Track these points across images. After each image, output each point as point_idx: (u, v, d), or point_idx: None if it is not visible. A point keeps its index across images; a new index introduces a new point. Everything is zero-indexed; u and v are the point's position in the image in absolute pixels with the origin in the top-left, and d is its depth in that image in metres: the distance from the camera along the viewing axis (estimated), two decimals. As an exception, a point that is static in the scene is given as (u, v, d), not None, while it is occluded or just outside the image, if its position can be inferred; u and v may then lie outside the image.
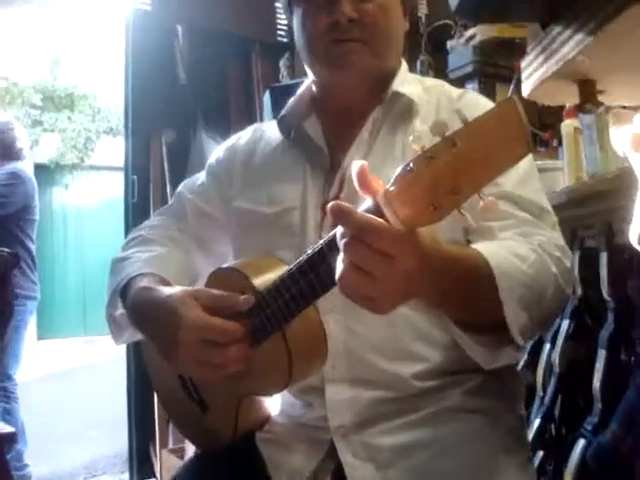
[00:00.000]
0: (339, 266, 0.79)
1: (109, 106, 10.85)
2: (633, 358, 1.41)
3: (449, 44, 2.75)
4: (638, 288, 1.42)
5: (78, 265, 10.59)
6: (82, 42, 10.69)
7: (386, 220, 0.76)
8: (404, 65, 1.31)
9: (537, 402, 1.69)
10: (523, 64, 0.49)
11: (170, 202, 1.46)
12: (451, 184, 0.70)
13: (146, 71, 3.46)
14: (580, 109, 0.47)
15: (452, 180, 0.70)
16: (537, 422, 1.63)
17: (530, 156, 1.18)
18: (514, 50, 2.64)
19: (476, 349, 0.98)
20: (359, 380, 1.12)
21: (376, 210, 0.77)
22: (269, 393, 1.14)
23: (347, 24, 1.17)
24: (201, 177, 1.43)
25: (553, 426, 1.64)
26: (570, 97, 0.48)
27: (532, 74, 0.47)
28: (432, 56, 2.79)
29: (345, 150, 1.22)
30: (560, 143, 1.97)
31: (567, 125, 1.64)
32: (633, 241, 0.56)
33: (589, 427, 1.43)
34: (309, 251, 0.91)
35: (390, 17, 1.21)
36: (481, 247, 0.97)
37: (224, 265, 1.20)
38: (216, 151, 1.45)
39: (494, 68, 2.57)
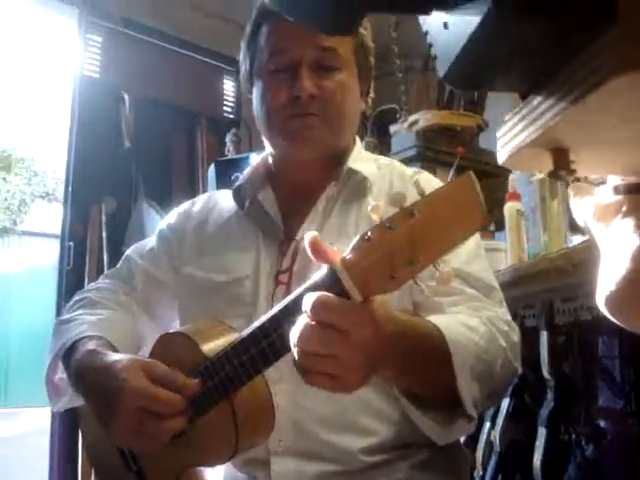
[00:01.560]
0: (294, 351, 0.79)
1: (46, 170, 10.72)
2: (574, 436, 1.43)
3: (392, 128, 2.83)
4: (577, 367, 1.44)
5: (2, 334, 10.21)
6: (23, 105, 10.63)
7: (342, 287, 0.76)
8: (358, 143, 1.35)
9: (477, 481, 1.68)
10: (499, 133, 0.51)
11: (118, 265, 1.44)
12: (408, 254, 0.72)
13: (90, 137, 3.44)
14: (553, 176, 0.49)
15: (409, 250, 0.72)
16: (478, 501, 1.62)
17: (478, 234, 1.22)
18: (456, 137, 2.75)
19: (429, 425, 0.98)
20: (305, 453, 1.10)
21: (332, 277, 0.77)
22: (213, 463, 1.11)
23: (307, 99, 1.20)
24: (151, 242, 1.42)
25: (494, 505, 1.63)
26: (543, 165, 0.50)
27: (508, 142, 0.49)
28: (377, 138, 2.86)
29: (299, 223, 1.25)
30: (497, 227, 2.03)
31: (510, 207, 1.70)
32: (600, 305, 0.58)
33: (530, 506, 1.43)
34: (262, 318, 0.90)
35: (347, 95, 1.25)
36: (433, 318, 0.98)
37: (172, 330, 1.18)
38: (168, 216, 1.44)
39: (435, 153, 2.65)
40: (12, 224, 10.45)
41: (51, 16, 4.01)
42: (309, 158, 1.26)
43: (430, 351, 0.92)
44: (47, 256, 10.11)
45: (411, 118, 2.76)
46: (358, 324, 0.77)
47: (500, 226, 2.00)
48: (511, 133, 0.51)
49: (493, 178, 2.49)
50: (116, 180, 3.52)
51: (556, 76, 0.42)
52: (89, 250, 3.49)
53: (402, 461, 1.12)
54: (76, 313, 1.28)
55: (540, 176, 1.56)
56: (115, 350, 1.15)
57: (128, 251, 1.44)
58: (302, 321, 0.77)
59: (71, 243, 3.48)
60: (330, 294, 0.76)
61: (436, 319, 0.98)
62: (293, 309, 0.83)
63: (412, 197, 0.73)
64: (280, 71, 1.24)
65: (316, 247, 0.78)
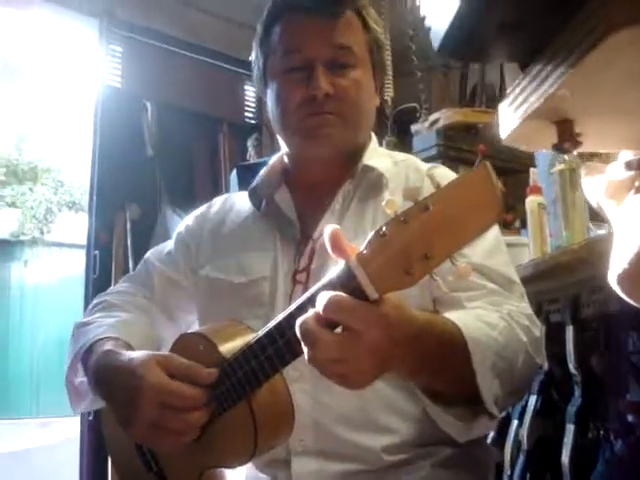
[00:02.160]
0: (305, 350, 0.78)
1: (72, 180, 10.85)
2: (602, 432, 1.40)
3: (413, 128, 2.82)
4: (604, 361, 1.42)
5: (33, 344, 10.33)
6: (49, 116, 10.77)
7: (358, 284, 0.75)
8: (374, 139, 1.34)
9: (505, 480, 1.66)
10: (500, 109, 0.50)
11: (137, 269, 1.45)
12: (424, 249, 0.71)
13: (113, 146, 3.47)
14: (557, 149, 0.48)
15: (425, 245, 0.70)
16: (506, 500, 1.60)
17: (497, 228, 1.20)
18: (477, 134, 2.72)
19: (449, 422, 0.96)
20: (326, 453, 1.09)
21: (348, 274, 0.76)
22: (233, 465, 1.10)
23: (323, 98, 1.19)
24: (169, 245, 1.42)
25: (522, 504, 1.61)
26: (547, 139, 0.48)
27: (510, 116, 0.48)
28: (398, 138, 2.85)
29: (316, 222, 1.24)
30: (523, 224, 2.00)
31: (531, 201, 1.68)
32: (612, 283, 0.56)
33: (560, 504, 1.41)
34: (279, 317, 0.89)
35: (363, 92, 1.24)
36: (451, 315, 0.97)
37: (190, 330, 1.18)
38: (186, 219, 1.44)
39: (457, 152, 2.63)
40: (40, 233, 10.57)
41: (73, 28, 4.06)
42: (326, 156, 1.26)
43: (448, 350, 0.91)
44: (75, 266, 10.20)
45: (432, 117, 2.75)
46: (370, 325, 0.76)
47: (525, 223, 1.97)
48: (512, 106, 0.50)
49: (516, 175, 2.46)
50: (140, 187, 3.54)
51: (553, 42, 0.41)
52: (115, 258, 3.51)
53: (424, 460, 1.10)
54: (94, 316, 1.29)
55: (560, 167, 1.54)
56: (133, 350, 1.14)
57: (147, 254, 1.44)
58: (314, 331, 0.77)
59: (97, 252, 3.50)
60: (343, 294, 0.75)
61: (454, 315, 0.96)
62: (309, 307, 0.82)
63: (427, 191, 0.72)
64: (295, 70, 1.23)
65: (336, 241, 0.77)
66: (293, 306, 0.86)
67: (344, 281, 0.77)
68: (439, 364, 0.89)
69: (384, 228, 0.73)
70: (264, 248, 1.26)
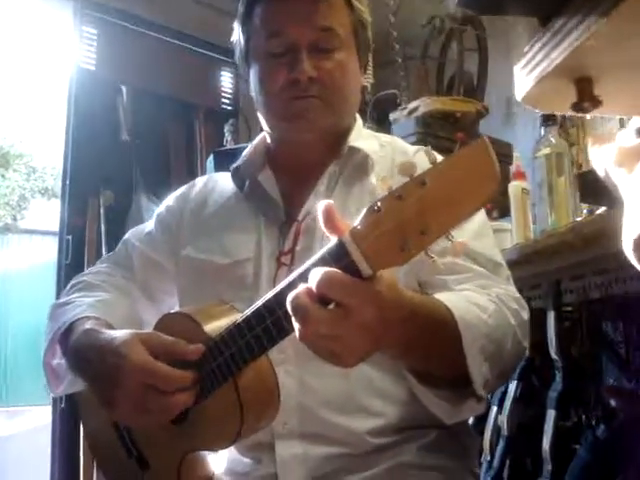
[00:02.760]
0: (296, 326, 0.76)
1: (45, 166, 10.69)
2: (584, 417, 1.40)
3: (392, 116, 2.80)
4: (585, 347, 1.42)
5: (3, 332, 10.18)
6: (20, 101, 10.59)
7: (351, 261, 0.73)
8: (359, 120, 1.32)
9: (485, 465, 1.66)
10: (517, 68, 0.48)
11: (116, 249, 1.41)
12: (419, 224, 0.69)
13: (87, 130, 3.41)
14: (577, 108, 0.46)
15: (420, 220, 0.69)
16: (483, 486, 1.60)
17: (484, 211, 1.19)
18: (456, 123, 2.72)
19: (438, 404, 0.95)
20: (311, 435, 1.08)
21: (341, 250, 0.75)
22: (217, 447, 1.07)
23: (307, 82, 1.17)
24: (149, 225, 1.39)
25: (502, 489, 1.61)
26: (565, 99, 0.47)
27: (528, 75, 0.46)
28: (377, 125, 2.83)
29: (300, 203, 1.21)
30: (501, 214, 2.00)
31: (515, 186, 1.67)
32: (627, 251, 0.55)
33: (540, 489, 1.41)
34: (267, 295, 0.87)
35: (347, 74, 1.22)
36: (441, 296, 0.96)
37: (173, 310, 1.16)
38: (166, 199, 1.42)
39: (436, 139, 2.62)
40: (13, 219, 10.40)
41: (46, 9, 3.98)
42: (310, 139, 1.24)
43: (439, 331, 0.90)
44: (47, 254, 10.08)
45: (411, 105, 2.74)
46: (363, 303, 0.74)
47: (505, 212, 1.97)
48: (531, 64, 0.48)
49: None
50: (114, 173, 3.49)
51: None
52: (88, 244, 3.47)
53: (410, 443, 1.09)
54: (72, 296, 1.25)
55: (546, 152, 1.53)
56: (113, 330, 1.12)
57: (126, 235, 1.41)
58: (305, 305, 0.74)
59: (69, 237, 3.45)
60: (337, 270, 0.73)
61: (444, 297, 0.95)
62: (300, 284, 0.79)
63: (422, 167, 0.71)
64: (278, 54, 1.21)
65: (329, 217, 0.75)
66: (283, 283, 0.84)
67: (337, 257, 0.75)
68: (429, 346, 0.88)
69: (379, 204, 0.71)
70: (248, 229, 1.24)
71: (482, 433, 1.69)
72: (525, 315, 1.07)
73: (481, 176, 0.68)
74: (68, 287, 1.32)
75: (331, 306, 0.75)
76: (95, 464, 3.15)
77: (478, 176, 0.68)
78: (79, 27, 3.51)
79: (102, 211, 3.48)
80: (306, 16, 1.19)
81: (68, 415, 3.23)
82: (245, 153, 1.33)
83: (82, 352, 1.09)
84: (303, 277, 0.79)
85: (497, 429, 1.65)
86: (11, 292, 10.35)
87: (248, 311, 0.92)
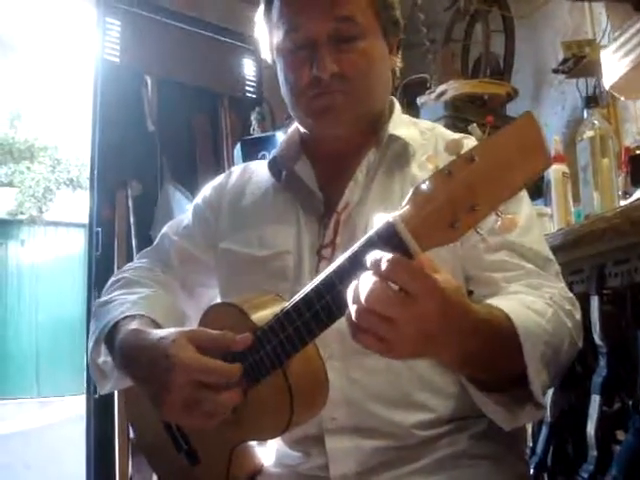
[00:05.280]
0: (351, 307, 0.75)
1: (69, 157, 10.76)
2: (630, 402, 1.39)
3: (420, 100, 2.79)
4: (630, 331, 1.40)
5: (32, 323, 10.31)
6: (44, 93, 10.65)
7: (400, 240, 0.73)
8: (397, 106, 1.29)
9: (528, 452, 1.65)
10: (605, 54, 0.47)
11: (154, 244, 1.41)
12: (469, 200, 0.69)
13: (113, 122, 3.43)
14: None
15: (470, 196, 0.69)
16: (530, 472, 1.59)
17: (530, 203, 1.16)
18: (484, 106, 2.70)
19: (496, 410, 0.94)
20: (360, 429, 1.07)
21: (389, 230, 0.74)
22: (268, 437, 1.07)
23: (329, 79, 1.14)
24: (186, 218, 1.39)
25: (546, 475, 1.60)
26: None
27: (615, 64, 0.45)
28: (407, 108, 2.82)
29: (340, 194, 1.19)
30: (532, 197, 1.98)
31: (555, 170, 1.65)
32: None
33: (585, 475, 1.40)
34: (314, 281, 0.87)
35: (373, 62, 1.18)
36: (499, 303, 0.94)
37: (219, 301, 1.15)
38: (203, 190, 1.41)
39: (465, 123, 2.59)
40: (39, 211, 10.49)
41: (69, 2, 3.99)
42: (339, 134, 1.22)
43: (500, 344, 0.87)
44: (72, 245, 10.19)
45: (439, 89, 2.72)
46: (427, 293, 0.73)
47: (536, 194, 1.95)
48: (621, 51, 0.47)
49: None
50: (141, 163, 3.51)
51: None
52: (117, 235, 3.48)
53: (460, 433, 1.08)
54: (115, 294, 1.25)
55: (590, 134, 1.51)
56: (158, 327, 1.12)
57: (164, 229, 1.41)
58: (366, 277, 0.74)
59: (99, 229, 3.47)
60: (402, 256, 0.73)
61: (500, 303, 0.94)
62: (348, 269, 0.80)
63: (469, 145, 0.70)
64: (298, 49, 1.18)
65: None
66: (330, 269, 0.84)
67: (386, 238, 0.75)
68: (488, 359, 0.87)
69: (427, 182, 0.72)
70: (286, 221, 1.22)
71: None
72: (578, 315, 1.05)
73: (530, 149, 0.67)
74: (109, 284, 1.32)
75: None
76: (130, 454, 3.19)
77: (527, 150, 0.67)
78: (102, 19, 3.52)
79: (130, 202, 3.50)
80: (322, 8, 1.15)
81: (102, 405, 3.26)
82: (281, 143, 1.32)
83: (130, 353, 1.09)
84: (352, 261, 0.79)
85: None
86: (39, 283, 10.45)
87: (296, 297, 0.91)
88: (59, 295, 9.93)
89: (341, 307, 0.80)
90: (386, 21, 1.22)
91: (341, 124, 1.19)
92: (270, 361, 0.96)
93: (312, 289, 0.87)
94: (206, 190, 1.40)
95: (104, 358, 1.18)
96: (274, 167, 1.29)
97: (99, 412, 3.33)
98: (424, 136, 1.24)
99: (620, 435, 1.43)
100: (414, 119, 1.33)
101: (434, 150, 1.20)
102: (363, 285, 0.74)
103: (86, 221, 3.64)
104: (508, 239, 1.05)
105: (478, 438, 1.09)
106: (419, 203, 0.72)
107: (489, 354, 0.86)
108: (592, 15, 2.54)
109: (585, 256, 1.48)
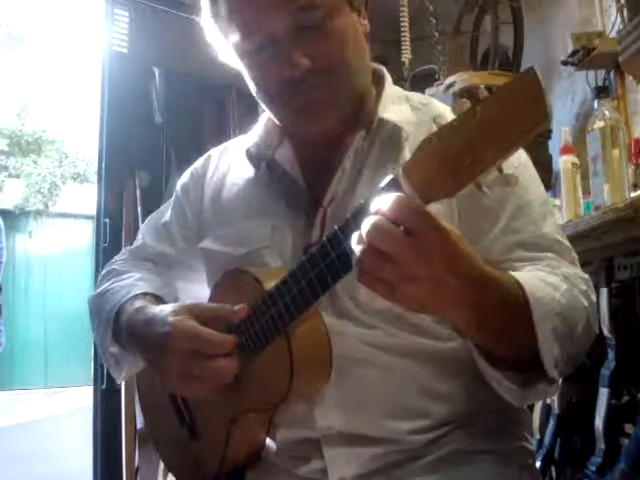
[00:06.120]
0: (356, 248, 0.75)
1: (77, 151, 10.79)
2: (639, 395, 1.38)
3: (428, 91, 2.78)
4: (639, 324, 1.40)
5: (40, 315, 10.36)
6: (53, 86, 10.68)
7: (401, 191, 0.75)
8: (387, 78, 1.18)
9: (535, 445, 1.64)
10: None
11: (135, 244, 1.38)
12: (471, 153, 0.70)
13: (121, 113, 3.43)
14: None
15: (472, 149, 0.70)
16: (537, 465, 1.58)
17: (544, 192, 1.12)
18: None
19: (508, 387, 0.91)
20: (357, 437, 1.05)
21: (393, 183, 0.76)
22: (267, 405, 1.04)
23: (303, 74, 1.04)
24: (166, 213, 1.34)
25: (554, 468, 1.60)
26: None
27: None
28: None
29: (325, 184, 1.10)
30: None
31: (565, 161, 1.64)
32: None
33: (593, 468, 1.39)
34: (321, 240, 0.86)
35: (345, 40, 1.07)
36: (512, 273, 0.91)
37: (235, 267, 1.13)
38: (183, 176, 1.35)
39: (473, 115, 2.58)
40: (45, 206, 10.54)
41: (77, -7, 3.99)
42: (326, 128, 1.10)
43: (510, 305, 0.85)
44: (80, 237, 10.21)
45: (447, 80, 2.71)
46: (431, 230, 0.73)
47: (546, 186, 1.93)
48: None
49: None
50: (149, 154, 3.51)
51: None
52: (125, 226, 3.49)
53: (458, 431, 1.06)
54: (107, 284, 1.25)
55: (600, 125, 1.50)
56: (159, 300, 1.15)
57: (142, 228, 1.38)
58: (369, 218, 0.74)
59: (107, 220, 3.47)
60: (404, 195, 0.74)
61: (516, 273, 0.91)
62: (352, 224, 0.79)
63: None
64: (262, 49, 1.06)
65: None
66: (335, 226, 0.83)
67: (387, 190, 0.76)
68: (499, 322, 0.84)
69: (433, 137, 0.73)
70: (265, 215, 1.14)
71: (532, 411, 1.68)
72: (594, 297, 1.01)
73: (530, 104, 0.67)
74: (100, 277, 1.32)
75: None
76: (137, 445, 3.20)
77: (527, 104, 0.67)
78: (111, 10, 3.51)
79: (138, 193, 3.50)
80: (280, 2, 1.02)
81: (109, 396, 3.27)
82: (257, 130, 1.21)
83: (135, 329, 1.11)
84: (356, 214, 0.79)
85: (547, 408, 1.64)
86: (46, 275, 10.50)
87: (302, 259, 0.90)
88: (67, 286, 9.97)
89: (345, 265, 0.81)
90: None
91: (326, 118, 1.09)
92: (275, 325, 0.96)
93: (317, 249, 0.86)
94: (185, 178, 1.34)
95: (115, 347, 1.19)
96: (252, 157, 1.19)
97: (106, 403, 3.34)
98: (418, 113, 1.14)
99: (628, 428, 1.42)
100: (406, 92, 1.21)
101: (428, 131, 1.10)
102: (366, 225, 0.74)
103: (94, 212, 3.65)
104: (521, 237, 1.02)
105: (478, 434, 1.06)
106: (424, 155, 0.74)
107: (499, 319, 0.84)
108: (602, 7, 2.52)
109: (594, 248, 1.47)
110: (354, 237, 0.76)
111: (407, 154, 1.06)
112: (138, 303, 1.14)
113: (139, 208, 3.48)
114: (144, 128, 3.49)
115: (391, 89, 1.17)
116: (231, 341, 1.00)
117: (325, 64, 1.05)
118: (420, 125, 1.10)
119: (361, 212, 0.78)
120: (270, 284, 0.98)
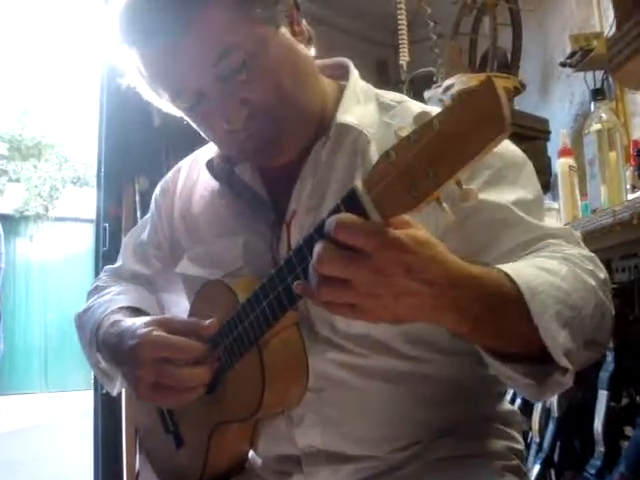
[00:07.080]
0: (311, 278, 0.74)
1: (76, 155, 10.80)
2: (638, 398, 1.38)
3: (426, 94, 2.78)
4: (638, 326, 1.39)
5: (40, 319, 10.36)
6: (52, 90, 10.70)
7: (363, 209, 0.72)
8: (352, 77, 1.12)
9: (534, 448, 1.64)
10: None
11: (116, 264, 1.40)
12: (428, 167, 0.68)
13: (120, 117, 3.42)
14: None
15: (429, 163, 0.68)
16: (537, 468, 1.59)
17: (541, 194, 1.09)
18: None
19: (524, 383, 0.87)
20: (337, 455, 1.05)
21: (352, 198, 0.74)
22: (242, 416, 1.04)
23: (245, 124, 0.99)
24: (144, 231, 1.34)
25: (553, 471, 1.59)
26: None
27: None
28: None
29: (288, 195, 1.06)
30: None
31: (562, 164, 1.64)
32: None
33: (592, 471, 1.39)
34: (290, 253, 0.84)
35: (278, 67, 1.00)
36: (503, 266, 0.85)
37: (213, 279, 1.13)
38: (155, 191, 1.35)
39: (472, 117, 2.57)
40: (44, 210, 10.55)
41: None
42: (282, 161, 1.06)
43: (496, 297, 0.80)
44: (80, 240, 10.21)
45: (446, 83, 2.70)
46: (382, 247, 0.70)
47: (543, 189, 1.93)
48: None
49: (531, 141, 2.42)
50: (148, 158, 3.49)
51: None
52: (124, 231, 3.48)
53: (448, 437, 1.05)
54: (90, 301, 1.29)
55: (597, 127, 1.50)
56: (136, 311, 1.17)
57: (122, 246, 1.39)
58: (319, 246, 0.72)
59: (106, 224, 3.47)
60: (352, 215, 0.72)
61: (507, 266, 0.85)
62: (317, 238, 0.76)
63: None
64: (194, 105, 1.02)
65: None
66: (300, 240, 0.81)
67: (347, 204, 0.74)
68: (494, 321, 0.80)
69: (391, 151, 0.71)
70: (234, 232, 1.12)
71: (531, 414, 1.68)
72: (602, 275, 0.95)
73: (487, 116, 0.64)
74: (87, 295, 1.35)
75: None
76: (137, 449, 3.20)
77: (485, 116, 0.64)
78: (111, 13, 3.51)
79: (137, 197, 3.50)
80: (193, 56, 0.96)
81: (109, 400, 3.27)
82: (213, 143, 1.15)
83: (109, 342, 1.13)
84: (319, 231, 0.76)
85: (546, 410, 1.63)
86: (47, 279, 10.50)
87: (272, 271, 0.88)
88: (67, 290, 9.95)
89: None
90: (263, 6, 0.99)
91: (281, 154, 1.05)
92: (247, 337, 0.96)
93: (285, 261, 0.84)
94: (157, 192, 1.33)
95: (103, 362, 1.21)
96: (213, 171, 1.16)
97: (106, 407, 3.33)
98: (386, 112, 1.08)
99: (628, 431, 1.42)
100: (377, 91, 1.14)
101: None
102: (315, 254, 0.72)
103: (93, 217, 3.65)
104: (520, 240, 0.97)
105: (461, 441, 1.06)
106: (382, 170, 0.71)
107: (490, 315, 0.79)
108: (600, 8, 2.52)
109: (592, 251, 1.46)
110: (310, 267, 0.75)
111: (373, 159, 0.96)
112: (114, 317, 1.16)
113: (138, 212, 3.47)
114: (143, 132, 3.47)
115: (357, 86, 1.12)
116: (199, 348, 1.00)
117: (262, 104, 0.99)
118: (390, 125, 1.05)
119: (321, 229, 0.76)
120: (245, 296, 0.97)
